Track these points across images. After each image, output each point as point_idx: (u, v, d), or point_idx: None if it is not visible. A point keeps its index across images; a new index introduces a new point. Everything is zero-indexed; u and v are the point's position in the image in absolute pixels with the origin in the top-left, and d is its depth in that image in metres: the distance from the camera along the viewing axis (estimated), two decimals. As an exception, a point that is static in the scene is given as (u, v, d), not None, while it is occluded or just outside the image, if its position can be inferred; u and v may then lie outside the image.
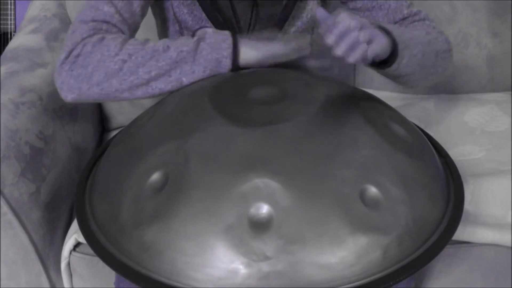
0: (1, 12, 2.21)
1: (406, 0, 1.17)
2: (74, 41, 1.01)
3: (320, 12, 0.87)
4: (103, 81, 1.00)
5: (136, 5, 1.06)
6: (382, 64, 1.04)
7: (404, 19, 1.16)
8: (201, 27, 1.12)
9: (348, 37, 0.86)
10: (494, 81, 1.61)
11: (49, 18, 1.49)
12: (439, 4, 1.57)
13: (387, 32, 0.99)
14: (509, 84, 1.62)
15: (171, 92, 1.02)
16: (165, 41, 1.02)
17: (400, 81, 1.11)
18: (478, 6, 1.57)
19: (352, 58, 0.88)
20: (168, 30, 1.18)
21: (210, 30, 1.02)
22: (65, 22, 1.50)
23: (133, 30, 1.08)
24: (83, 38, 1.01)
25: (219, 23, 1.11)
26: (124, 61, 0.99)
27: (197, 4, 1.11)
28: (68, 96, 1.02)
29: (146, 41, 1.02)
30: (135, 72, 0.99)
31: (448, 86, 1.61)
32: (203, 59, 1.00)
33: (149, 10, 1.18)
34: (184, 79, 1.01)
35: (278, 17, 1.12)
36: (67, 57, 1.01)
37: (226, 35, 1.02)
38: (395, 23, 1.16)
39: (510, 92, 1.61)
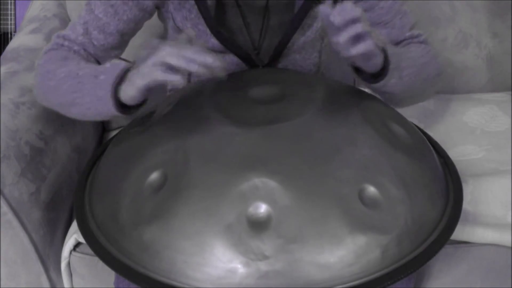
0: (1, 12, 2.21)
1: (411, 20, 1.16)
2: (42, 51, 1.08)
3: (324, 9, 0.86)
4: (47, 93, 1.04)
5: (113, 27, 1.07)
6: (370, 77, 1.03)
7: (404, 40, 1.16)
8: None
9: (352, 27, 0.85)
10: (494, 81, 1.61)
11: (49, 18, 1.49)
12: (439, 4, 1.57)
13: (382, 48, 0.98)
14: (509, 84, 1.62)
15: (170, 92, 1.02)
16: (83, 67, 1.01)
17: (383, 97, 1.11)
18: (478, 6, 1.57)
19: (354, 51, 0.86)
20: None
21: (116, 61, 0.99)
22: (65, 22, 1.50)
23: (106, 49, 1.09)
24: (46, 50, 1.08)
25: (223, 38, 1.10)
26: (51, 80, 1.02)
27: (201, 18, 1.10)
28: (38, 99, 1.09)
29: (78, 64, 1.02)
30: (57, 93, 1.02)
31: (448, 86, 1.61)
32: (95, 94, 0.96)
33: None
34: (86, 111, 0.99)
35: (289, 26, 1.11)
36: (36, 64, 1.07)
37: (118, 68, 0.94)
38: (397, 43, 1.15)
39: (510, 92, 1.60)
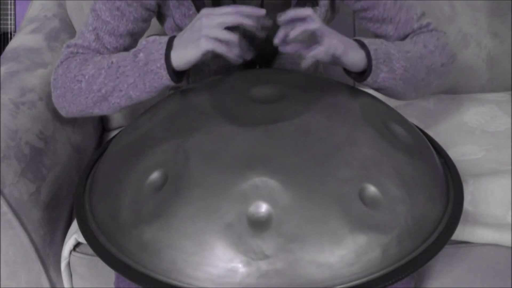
0: (1, 12, 2.21)
1: (417, 12, 1.18)
2: (55, 66, 1.10)
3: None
4: (73, 99, 1.07)
5: (122, 29, 1.09)
6: (358, 76, 1.05)
7: (413, 31, 1.17)
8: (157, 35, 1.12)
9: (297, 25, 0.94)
10: (494, 81, 1.61)
11: (49, 18, 1.49)
12: (439, 4, 1.57)
13: (362, 45, 1.01)
14: (509, 84, 1.62)
15: (170, 91, 1.02)
16: (112, 56, 1.04)
17: (384, 93, 1.11)
18: (478, 6, 1.57)
19: (304, 63, 0.94)
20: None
21: (150, 39, 1.02)
22: (65, 22, 1.50)
23: (120, 51, 1.11)
24: (61, 61, 1.10)
25: None
26: (80, 82, 1.05)
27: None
28: (62, 113, 1.12)
29: (102, 57, 1.05)
30: (91, 91, 1.05)
31: (448, 86, 1.61)
32: (141, 73, 1.00)
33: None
34: (131, 93, 1.02)
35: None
36: (52, 79, 1.10)
37: (162, 43, 0.99)
38: (405, 36, 1.16)
39: (510, 92, 1.60)
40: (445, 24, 1.58)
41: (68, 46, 1.11)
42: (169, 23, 1.16)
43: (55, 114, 1.25)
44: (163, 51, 0.97)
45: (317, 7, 1.14)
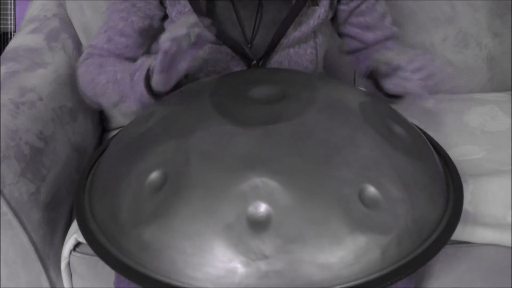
0: (1, 12, 2.21)
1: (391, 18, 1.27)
2: (79, 62, 1.18)
3: None
4: (95, 97, 1.15)
5: (129, 29, 1.15)
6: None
7: (392, 36, 1.27)
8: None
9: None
10: (494, 81, 1.61)
11: (49, 18, 1.49)
12: (439, 4, 1.57)
13: None
14: (509, 84, 1.62)
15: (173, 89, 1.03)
16: (120, 71, 1.09)
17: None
18: (478, 6, 1.57)
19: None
20: None
21: (138, 62, 1.06)
22: (65, 22, 1.50)
23: (132, 49, 1.18)
24: (81, 61, 1.18)
25: (218, 31, 1.11)
26: (95, 88, 1.12)
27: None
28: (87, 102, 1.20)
29: (113, 69, 1.11)
30: (105, 97, 1.12)
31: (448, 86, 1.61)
32: (137, 91, 1.04)
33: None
34: (133, 106, 1.08)
35: (282, 21, 1.12)
36: (78, 75, 1.18)
37: (142, 71, 1.03)
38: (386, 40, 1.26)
39: (510, 92, 1.61)
40: (445, 24, 1.58)
41: (86, 47, 1.21)
42: (169, 21, 1.17)
43: (55, 114, 1.25)
44: (142, 78, 1.02)
45: (317, 7, 1.15)
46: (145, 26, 1.16)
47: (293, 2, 1.12)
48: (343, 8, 1.20)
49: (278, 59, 1.16)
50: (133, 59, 1.13)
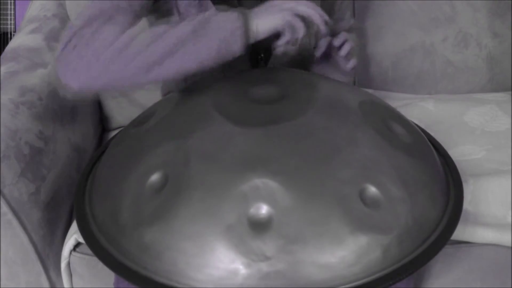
0: (1, 12, 2.21)
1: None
2: (79, 24, 0.95)
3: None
4: (109, 64, 0.92)
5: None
6: None
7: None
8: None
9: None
10: (494, 81, 1.61)
11: (49, 18, 1.49)
12: (439, 4, 1.57)
13: None
14: (509, 84, 1.62)
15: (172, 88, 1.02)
16: (167, 25, 0.96)
17: None
18: (478, 6, 1.57)
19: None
20: None
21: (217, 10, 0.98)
22: (65, 22, 1.50)
23: (144, 11, 1.04)
24: (89, 18, 0.95)
25: None
26: (132, 39, 0.93)
27: (204, 4, 1.10)
28: (74, 85, 0.93)
29: (164, 28, 0.95)
30: (144, 50, 0.93)
31: (448, 86, 1.61)
32: (215, 30, 0.94)
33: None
34: (198, 55, 0.94)
35: None
36: (66, 43, 0.94)
37: (235, 11, 0.97)
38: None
39: (510, 92, 1.61)
40: (445, 24, 1.58)
41: (94, 5, 0.96)
42: (173, 13, 1.13)
43: (55, 114, 1.25)
44: (236, 13, 0.95)
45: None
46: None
47: None
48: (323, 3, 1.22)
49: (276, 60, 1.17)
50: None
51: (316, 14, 1.00)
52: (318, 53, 1.15)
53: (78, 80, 0.93)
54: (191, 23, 0.94)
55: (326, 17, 1.02)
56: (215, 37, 0.94)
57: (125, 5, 0.99)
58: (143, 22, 1.04)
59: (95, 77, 0.92)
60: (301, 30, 0.98)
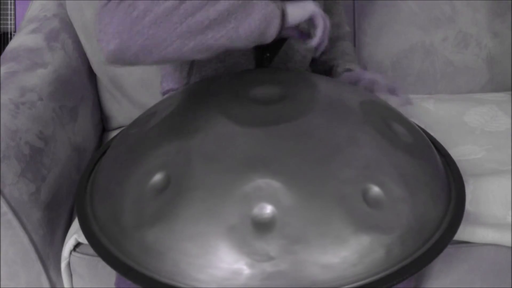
0: (1, 12, 2.21)
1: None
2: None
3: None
4: (160, 20, 0.88)
5: None
6: None
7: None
8: None
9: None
10: (494, 81, 1.62)
11: (49, 18, 1.49)
12: (439, 4, 1.57)
13: None
14: (509, 84, 1.62)
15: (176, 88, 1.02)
16: None
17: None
18: (478, 6, 1.57)
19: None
20: None
21: None
22: (65, 22, 1.50)
23: None
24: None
25: None
26: (181, 3, 0.89)
27: None
28: (115, 44, 0.88)
29: None
30: (192, 14, 0.89)
31: (448, 86, 1.62)
32: (260, 9, 0.93)
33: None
34: (240, 29, 0.92)
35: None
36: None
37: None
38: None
39: (510, 92, 1.61)
40: (445, 24, 1.58)
41: None
42: None
43: (55, 114, 1.25)
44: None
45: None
46: None
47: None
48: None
49: (284, 47, 1.20)
50: None
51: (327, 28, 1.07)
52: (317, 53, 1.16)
53: (119, 37, 0.87)
54: None
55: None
56: (258, 16, 0.93)
57: None
58: None
59: (137, 35, 0.87)
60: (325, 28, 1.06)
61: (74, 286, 1.18)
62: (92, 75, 1.53)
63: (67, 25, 1.49)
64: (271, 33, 0.95)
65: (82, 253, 1.14)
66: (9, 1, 2.20)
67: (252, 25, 0.93)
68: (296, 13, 1.02)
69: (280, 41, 1.15)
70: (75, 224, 1.15)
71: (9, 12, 2.21)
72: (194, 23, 0.88)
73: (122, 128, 1.07)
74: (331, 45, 1.38)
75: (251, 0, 0.93)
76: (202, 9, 0.89)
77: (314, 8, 1.04)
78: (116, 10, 0.86)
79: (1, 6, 2.20)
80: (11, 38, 2.19)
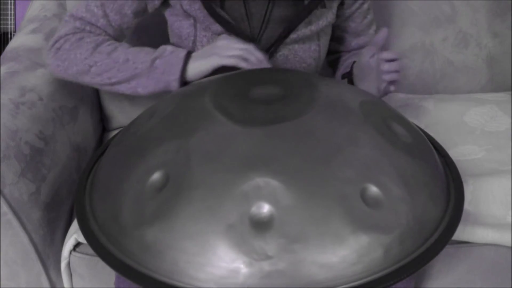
0: (1, 12, 2.21)
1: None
2: (59, 34, 1.15)
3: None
4: (77, 75, 1.15)
5: (127, 8, 1.15)
6: None
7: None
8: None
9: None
10: (494, 81, 1.62)
11: (49, 18, 1.49)
12: (439, 4, 1.57)
13: None
14: (509, 84, 1.62)
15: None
16: (128, 52, 1.12)
17: None
18: (478, 6, 1.57)
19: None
20: (182, 27, 1.19)
21: (169, 49, 1.12)
22: (65, 22, 1.50)
23: (122, 29, 1.18)
24: (66, 34, 1.15)
25: (225, 22, 1.13)
26: (91, 66, 1.13)
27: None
28: (54, 74, 1.19)
29: (115, 49, 1.13)
30: (100, 75, 1.13)
31: (448, 86, 1.61)
32: (155, 78, 1.11)
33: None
34: (139, 89, 1.13)
35: (294, 18, 1.15)
36: (52, 45, 1.16)
37: (179, 58, 1.10)
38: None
39: (510, 92, 1.61)
40: (445, 24, 1.58)
41: (75, 19, 1.16)
42: (174, 10, 1.17)
43: (55, 114, 1.25)
44: (180, 67, 1.09)
45: (327, 9, 1.17)
46: (141, 10, 1.16)
47: (306, 2, 1.16)
48: (340, 13, 1.24)
49: (284, 53, 1.19)
50: (112, 39, 1.17)
51: (245, 64, 1.09)
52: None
53: (56, 70, 1.18)
54: (142, 62, 1.11)
55: (265, 63, 1.10)
56: (156, 81, 1.12)
57: (111, 24, 1.16)
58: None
59: (66, 75, 1.17)
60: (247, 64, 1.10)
61: (74, 286, 1.18)
62: (92, 75, 1.53)
63: (67, 25, 1.49)
64: (172, 89, 1.12)
65: (82, 253, 1.14)
66: (9, 1, 2.20)
67: (149, 89, 1.13)
68: (194, 71, 1.11)
69: (275, 45, 1.16)
70: (75, 224, 1.15)
71: (9, 12, 2.21)
72: (102, 81, 1.15)
73: (122, 128, 1.07)
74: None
75: (150, 68, 1.11)
76: (108, 71, 1.13)
77: (220, 61, 1.09)
78: (53, 58, 1.16)
79: (1, 6, 2.20)
80: (11, 38, 2.19)
